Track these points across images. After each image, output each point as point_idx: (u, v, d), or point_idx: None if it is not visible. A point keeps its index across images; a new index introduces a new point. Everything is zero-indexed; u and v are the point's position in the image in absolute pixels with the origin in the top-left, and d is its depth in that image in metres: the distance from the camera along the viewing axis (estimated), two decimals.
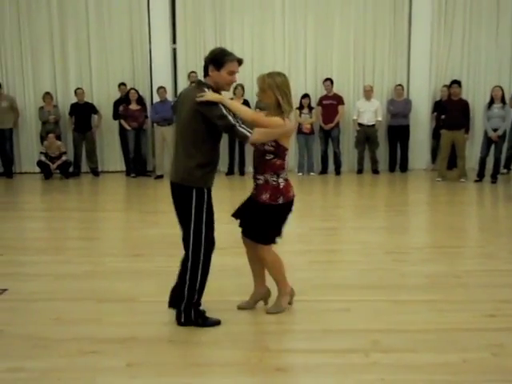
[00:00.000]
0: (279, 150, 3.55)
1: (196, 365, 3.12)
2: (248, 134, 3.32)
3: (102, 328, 3.59)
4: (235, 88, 10.16)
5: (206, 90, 3.37)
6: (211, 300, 3.77)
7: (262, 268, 3.79)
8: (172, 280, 3.64)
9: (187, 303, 3.54)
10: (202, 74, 3.51)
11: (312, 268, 4.78)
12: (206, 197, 3.46)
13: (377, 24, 10.66)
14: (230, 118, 3.30)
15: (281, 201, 3.57)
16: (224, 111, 3.29)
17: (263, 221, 3.59)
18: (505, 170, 9.92)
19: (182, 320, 3.56)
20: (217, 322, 3.60)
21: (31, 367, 3.08)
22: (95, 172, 10.70)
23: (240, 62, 3.45)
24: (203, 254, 3.50)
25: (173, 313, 3.64)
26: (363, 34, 10.68)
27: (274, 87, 3.49)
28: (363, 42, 10.71)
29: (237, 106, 3.49)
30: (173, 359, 3.19)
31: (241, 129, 3.31)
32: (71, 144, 10.73)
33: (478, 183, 9.14)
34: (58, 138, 10.44)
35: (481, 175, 9.24)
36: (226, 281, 4.30)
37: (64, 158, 10.31)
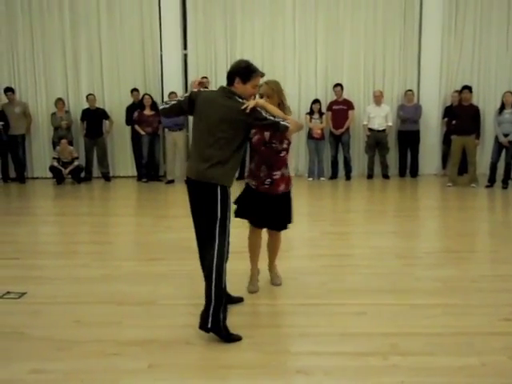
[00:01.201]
0: (289, 146, 4.11)
1: (217, 367, 3.17)
2: (288, 124, 3.59)
3: (122, 330, 3.64)
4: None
5: (239, 99, 3.50)
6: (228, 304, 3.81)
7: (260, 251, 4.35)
8: (189, 282, 3.68)
9: (216, 306, 3.42)
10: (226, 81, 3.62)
11: (326, 272, 4.81)
12: (229, 195, 3.59)
13: (387, 29, 10.70)
14: (270, 116, 3.52)
15: (291, 188, 4.20)
16: (263, 113, 3.50)
17: (287, 208, 4.15)
18: None
19: (209, 326, 3.40)
20: (239, 339, 3.46)
21: (54, 369, 3.13)
22: (106, 177, 10.78)
23: (263, 75, 3.63)
24: (227, 252, 3.59)
25: (192, 315, 3.68)
26: (373, 39, 10.72)
27: (279, 92, 4.00)
28: (373, 47, 10.75)
29: (272, 107, 3.68)
30: (194, 361, 3.24)
31: (282, 122, 3.56)
32: (83, 149, 10.82)
33: (489, 188, 9.15)
34: (70, 143, 10.53)
35: (492, 180, 9.24)
36: (241, 284, 4.33)
37: (76, 163, 10.40)
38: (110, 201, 9.32)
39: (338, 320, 3.78)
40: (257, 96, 3.86)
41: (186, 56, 11.03)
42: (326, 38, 10.73)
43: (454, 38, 10.67)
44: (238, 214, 4.13)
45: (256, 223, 4.22)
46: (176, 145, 10.33)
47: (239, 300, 4.05)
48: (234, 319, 3.69)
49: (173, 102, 3.80)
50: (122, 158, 11.17)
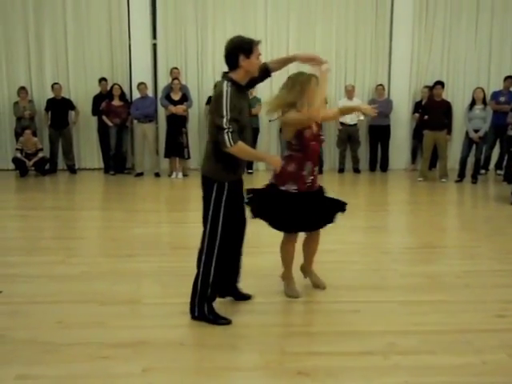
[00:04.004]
0: None
1: (214, 369, 3.03)
2: (228, 147, 3.34)
3: (108, 332, 3.46)
4: (215, 86, 10.01)
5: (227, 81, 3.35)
6: (225, 301, 3.69)
7: None
8: (175, 280, 3.54)
9: (201, 296, 3.53)
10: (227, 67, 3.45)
11: (316, 269, 4.71)
12: (224, 191, 3.46)
13: (358, 24, 10.70)
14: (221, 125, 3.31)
15: None
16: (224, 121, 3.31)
17: (326, 209, 4.04)
18: (483, 171, 10.09)
19: (196, 314, 3.56)
20: (228, 322, 3.55)
21: (41, 374, 2.94)
22: (72, 169, 10.44)
23: (259, 42, 3.43)
24: (218, 247, 3.49)
25: (183, 315, 3.55)
26: (345, 33, 10.72)
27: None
28: (345, 41, 10.74)
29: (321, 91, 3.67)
30: (190, 364, 3.10)
31: (226, 136, 3.30)
32: (47, 140, 10.43)
33: (459, 183, 9.28)
34: (34, 134, 10.14)
35: (461, 175, 9.38)
36: (246, 282, 4.10)
37: (40, 154, 10.02)
38: (77, 194, 9.01)
39: (332, 318, 3.71)
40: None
41: (155, 46, 10.74)
42: (298, 31, 10.65)
43: (424, 34, 10.77)
44: (280, 228, 3.91)
45: (306, 229, 4.00)
46: (145, 137, 10.07)
47: (247, 297, 3.93)
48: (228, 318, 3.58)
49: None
50: (89, 150, 10.85)
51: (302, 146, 3.78)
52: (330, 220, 4.04)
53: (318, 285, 4.22)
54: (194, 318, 3.58)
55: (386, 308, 3.89)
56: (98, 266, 4.77)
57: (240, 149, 3.33)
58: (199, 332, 3.47)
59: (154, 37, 10.69)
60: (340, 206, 4.07)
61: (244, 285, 3.99)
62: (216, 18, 10.53)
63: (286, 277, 4.11)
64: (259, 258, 4.71)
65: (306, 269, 4.28)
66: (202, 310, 3.55)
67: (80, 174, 10.43)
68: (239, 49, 3.34)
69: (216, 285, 3.56)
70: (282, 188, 3.83)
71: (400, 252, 5.39)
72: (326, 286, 4.21)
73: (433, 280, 4.49)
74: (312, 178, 3.90)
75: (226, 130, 3.25)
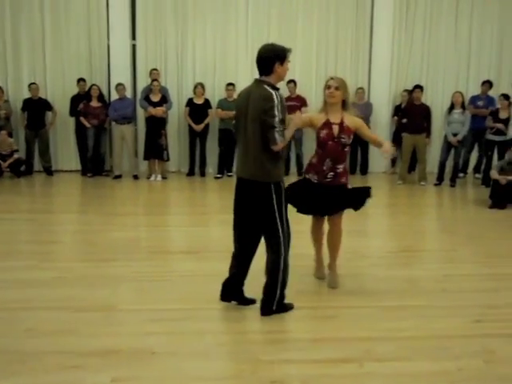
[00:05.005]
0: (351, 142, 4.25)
1: (186, 378, 2.96)
2: (278, 145, 3.53)
3: (81, 340, 3.37)
4: (195, 87, 9.98)
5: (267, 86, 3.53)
6: (194, 308, 3.62)
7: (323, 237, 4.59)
8: (150, 286, 3.46)
9: (280, 300, 3.71)
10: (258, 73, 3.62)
11: (292, 273, 4.60)
12: (282, 190, 3.65)
13: (339, 27, 10.69)
14: (277, 129, 3.51)
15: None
16: (277, 121, 3.51)
17: (346, 197, 4.26)
18: (461, 174, 10.15)
19: (275, 307, 3.71)
20: (292, 306, 3.85)
21: None
22: (49, 171, 10.25)
23: (290, 50, 3.66)
24: (288, 247, 3.73)
25: (155, 322, 3.46)
26: (326, 36, 10.69)
27: (345, 88, 4.15)
28: (326, 44, 10.72)
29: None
30: (160, 373, 3.01)
31: (279, 142, 3.52)
32: (23, 141, 10.22)
33: (438, 187, 9.31)
34: (10, 134, 9.93)
35: (440, 179, 9.42)
36: (211, 286, 4.06)
37: (16, 155, 9.80)
38: (54, 197, 8.84)
39: (308, 324, 3.66)
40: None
41: (134, 46, 10.60)
42: (279, 33, 10.57)
43: (404, 38, 10.80)
44: (299, 210, 4.31)
45: (321, 212, 4.35)
46: (124, 138, 9.94)
47: (252, 302, 3.90)
48: (200, 326, 3.51)
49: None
50: (66, 151, 10.64)
51: (319, 144, 4.21)
52: (355, 206, 4.34)
53: (330, 285, 4.41)
54: (269, 314, 3.69)
55: (363, 313, 3.86)
56: (73, 271, 4.66)
57: (283, 144, 3.57)
58: (172, 340, 3.39)
59: (134, 37, 10.53)
60: (365, 192, 4.32)
61: (218, 290, 3.92)
62: (196, 19, 10.43)
63: (315, 259, 4.62)
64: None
65: (329, 265, 4.55)
66: (281, 301, 3.71)
67: (57, 175, 10.25)
68: (276, 57, 3.53)
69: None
70: (307, 176, 4.32)
71: (380, 256, 5.36)
72: (337, 286, 4.38)
73: (412, 285, 4.47)
74: (333, 173, 4.19)
75: (276, 129, 3.46)
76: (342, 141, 4.14)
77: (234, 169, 10.00)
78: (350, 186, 4.32)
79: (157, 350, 3.27)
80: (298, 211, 4.32)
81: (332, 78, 4.15)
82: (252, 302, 3.89)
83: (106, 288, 4.24)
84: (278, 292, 3.68)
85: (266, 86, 3.53)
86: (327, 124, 4.14)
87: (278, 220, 3.60)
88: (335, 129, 4.14)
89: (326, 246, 4.54)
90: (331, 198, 4.22)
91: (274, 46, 3.63)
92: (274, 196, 3.57)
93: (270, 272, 3.68)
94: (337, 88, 4.08)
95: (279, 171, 3.64)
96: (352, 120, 4.17)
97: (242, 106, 3.61)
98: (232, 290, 3.83)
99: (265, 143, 3.51)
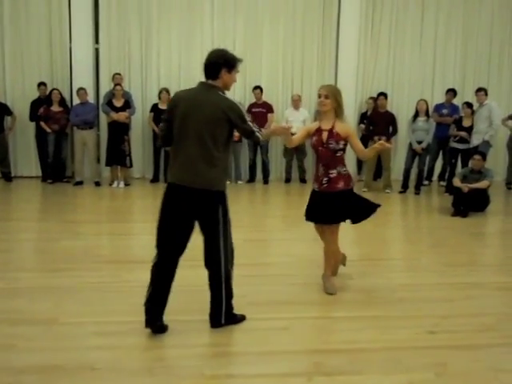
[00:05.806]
0: (345, 147, 4.30)
1: None
2: (260, 137, 3.53)
3: (17, 355, 3.19)
4: (160, 92, 9.82)
5: (221, 93, 3.44)
6: (140, 320, 3.46)
7: None
8: (98, 296, 3.30)
9: (227, 312, 3.59)
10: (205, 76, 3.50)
11: (247, 283, 4.53)
12: (227, 199, 3.56)
13: (305, 35, 10.66)
14: (250, 123, 3.47)
15: (352, 185, 4.36)
16: (246, 117, 3.49)
17: (343, 204, 4.27)
18: (426, 182, 10.19)
19: (223, 321, 3.59)
20: (243, 318, 3.74)
21: None
22: (7, 177, 9.96)
23: (241, 61, 3.57)
24: (232, 257, 3.63)
25: (98, 335, 3.30)
26: (292, 43, 10.65)
27: (336, 95, 4.21)
28: (292, 50, 10.68)
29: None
30: None
31: (257, 134, 3.51)
32: None
33: (403, 194, 9.32)
34: None
35: (405, 186, 9.43)
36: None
37: None
38: (11, 203, 8.57)
39: (257, 337, 3.53)
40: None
41: (97, 50, 10.40)
42: (245, 38, 10.52)
43: (369, 46, 10.83)
44: (308, 218, 4.46)
45: (318, 220, 4.42)
46: (85, 144, 9.71)
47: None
48: (145, 340, 3.35)
49: (163, 127, 3.56)
50: (26, 157, 10.36)
51: (314, 151, 4.38)
52: (354, 218, 4.41)
53: (325, 291, 4.40)
54: (219, 326, 3.57)
55: (316, 325, 3.76)
56: (17, 281, 4.46)
57: (263, 135, 3.63)
58: (115, 355, 3.23)
59: (97, 41, 10.34)
60: (370, 208, 4.42)
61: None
62: (161, 22, 10.28)
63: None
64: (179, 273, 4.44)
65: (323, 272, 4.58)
66: (229, 313, 3.60)
67: (16, 182, 9.96)
68: (224, 63, 3.41)
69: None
70: (312, 185, 4.47)
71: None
72: (334, 293, 4.37)
73: (368, 294, 4.39)
74: (327, 179, 4.27)
75: (256, 130, 3.47)
76: (330, 146, 4.22)
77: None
78: (355, 190, 4.41)
79: (98, 365, 3.11)
80: (306, 219, 4.47)
81: (323, 87, 4.28)
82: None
83: (50, 300, 4.05)
84: (224, 304, 3.54)
85: (221, 93, 3.43)
86: (318, 131, 4.28)
87: (222, 230, 3.46)
88: (324, 135, 4.24)
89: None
90: (329, 207, 4.29)
91: (225, 52, 3.51)
92: (220, 205, 3.44)
93: (212, 285, 3.54)
94: (326, 96, 4.17)
95: (225, 180, 3.55)
96: (343, 127, 4.24)
97: (189, 109, 3.37)
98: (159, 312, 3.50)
99: (217, 148, 3.37)
